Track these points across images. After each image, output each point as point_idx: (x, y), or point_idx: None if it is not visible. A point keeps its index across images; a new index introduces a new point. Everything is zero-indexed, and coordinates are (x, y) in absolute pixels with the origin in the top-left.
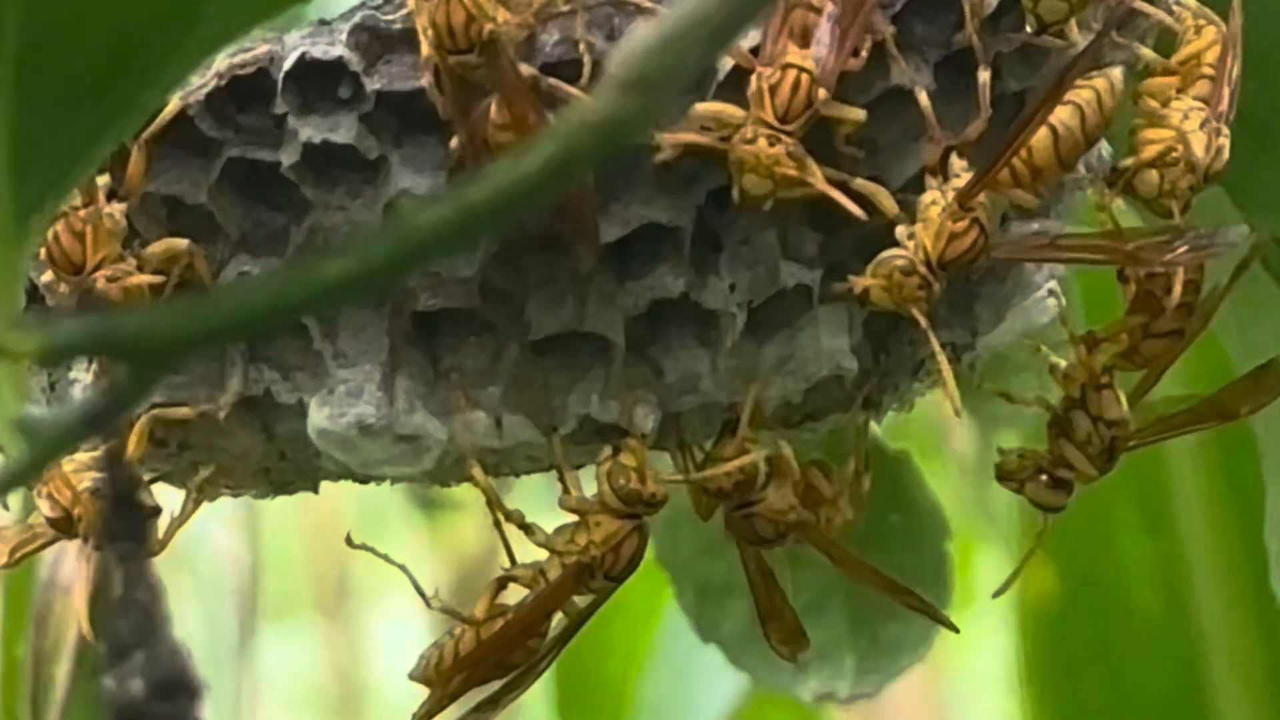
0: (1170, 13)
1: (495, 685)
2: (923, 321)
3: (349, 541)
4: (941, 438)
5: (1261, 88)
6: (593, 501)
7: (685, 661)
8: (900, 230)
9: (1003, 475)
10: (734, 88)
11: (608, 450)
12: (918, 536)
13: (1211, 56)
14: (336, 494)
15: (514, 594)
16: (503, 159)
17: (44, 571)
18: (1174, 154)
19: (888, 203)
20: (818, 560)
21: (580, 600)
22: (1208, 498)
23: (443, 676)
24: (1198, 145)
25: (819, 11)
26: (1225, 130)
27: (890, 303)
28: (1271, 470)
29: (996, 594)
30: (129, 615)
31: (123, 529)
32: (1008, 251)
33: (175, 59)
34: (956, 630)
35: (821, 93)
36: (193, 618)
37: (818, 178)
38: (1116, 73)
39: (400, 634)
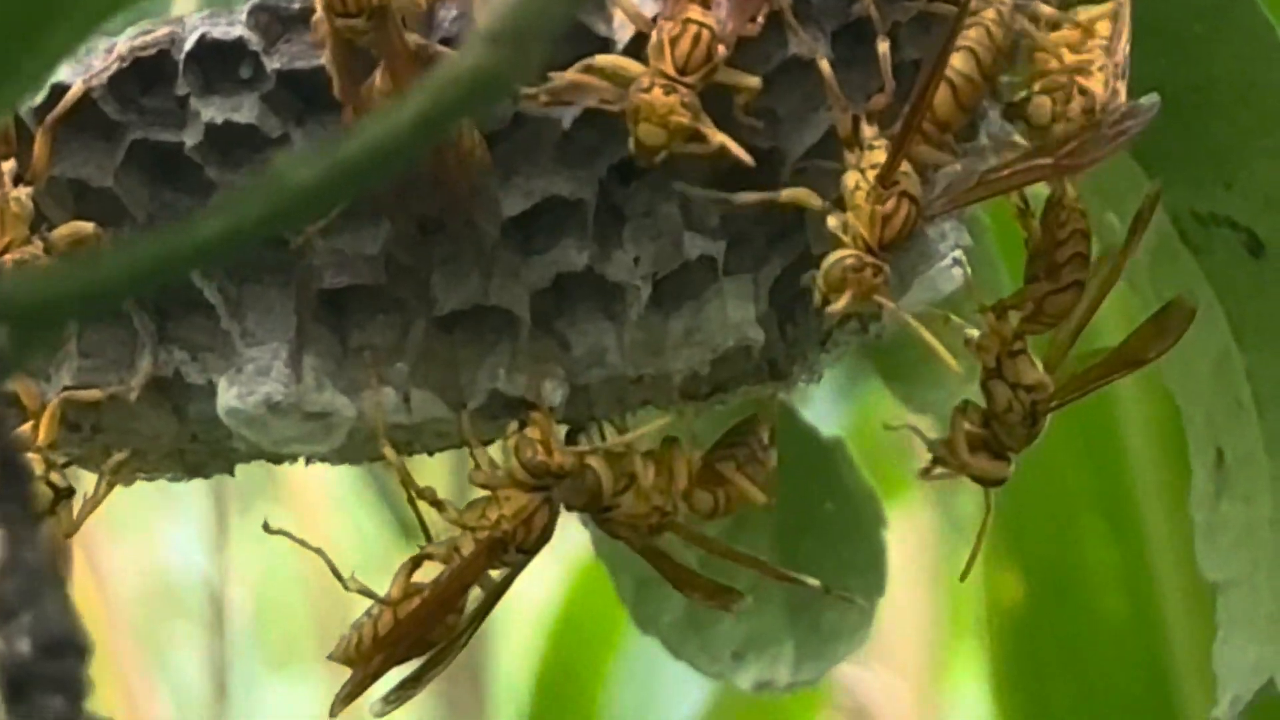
0: None
1: (417, 663)
2: (889, 305)
3: (346, 585)
4: (907, 453)
5: (1173, 66)
6: (502, 476)
7: (649, 673)
8: (833, 222)
9: (937, 457)
10: (637, 57)
11: (515, 425)
12: (852, 524)
13: (1105, 29)
14: (337, 539)
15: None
16: (374, 114)
17: None
18: (1066, 81)
19: (813, 201)
20: (749, 544)
21: (495, 574)
22: (1170, 506)
23: (363, 657)
24: (1095, 83)
25: None
26: (1122, 81)
27: (858, 303)
28: (1195, 443)
29: (961, 577)
30: (16, 576)
31: (6, 492)
32: (942, 206)
33: (57, 29)
34: (857, 603)
35: (721, 49)
36: (194, 663)
37: (711, 130)
38: (1004, 3)
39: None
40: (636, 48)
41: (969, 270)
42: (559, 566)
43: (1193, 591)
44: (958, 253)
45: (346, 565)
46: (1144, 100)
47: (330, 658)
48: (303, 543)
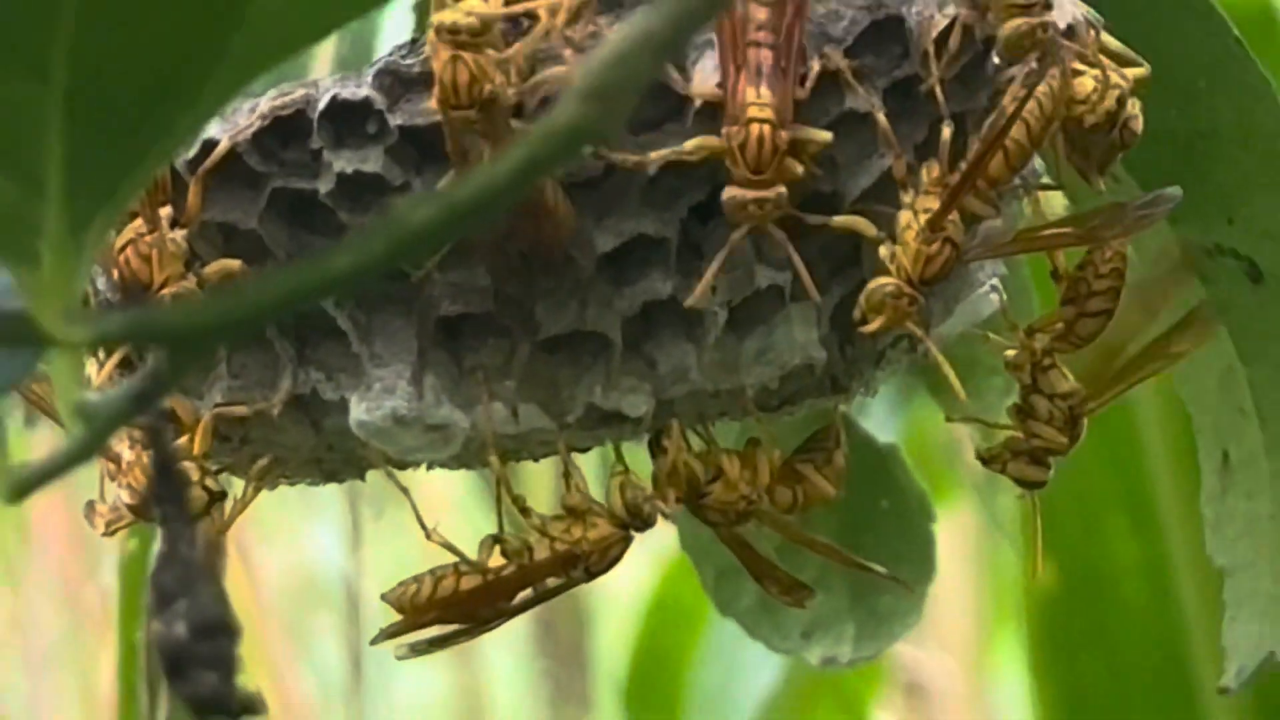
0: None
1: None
2: (918, 333)
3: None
4: (955, 458)
5: (1182, 115)
6: (594, 504)
7: (730, 652)
8: (883, 251)
9: (986, 460)
10: (710, 117)
11: (619, 467)
12: (906, 520)
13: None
14: (455, 534)
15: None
16: (481, 164)
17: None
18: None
19: (868, 229)
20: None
21: (552, 582)
22: (1183, 504)
23: (417, 609)
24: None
25: (763, 46)
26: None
27: (891, 325)
28: (1204, 447)
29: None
30: (173, 567)
31: (165, 494)
32: (977, 254)
33: (207, 92)
34: (910, 589)
35: (784, 135)
36: (333, 649)
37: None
38: (1055, 78)
39: (508, 653)
40: (712, 110)
41: (1004, 296)
42: (650, 560)
43: (1204, 579)
44: (994, 281)
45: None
46: (1168, 190)
47: (383, 598)
48: (425, 529)
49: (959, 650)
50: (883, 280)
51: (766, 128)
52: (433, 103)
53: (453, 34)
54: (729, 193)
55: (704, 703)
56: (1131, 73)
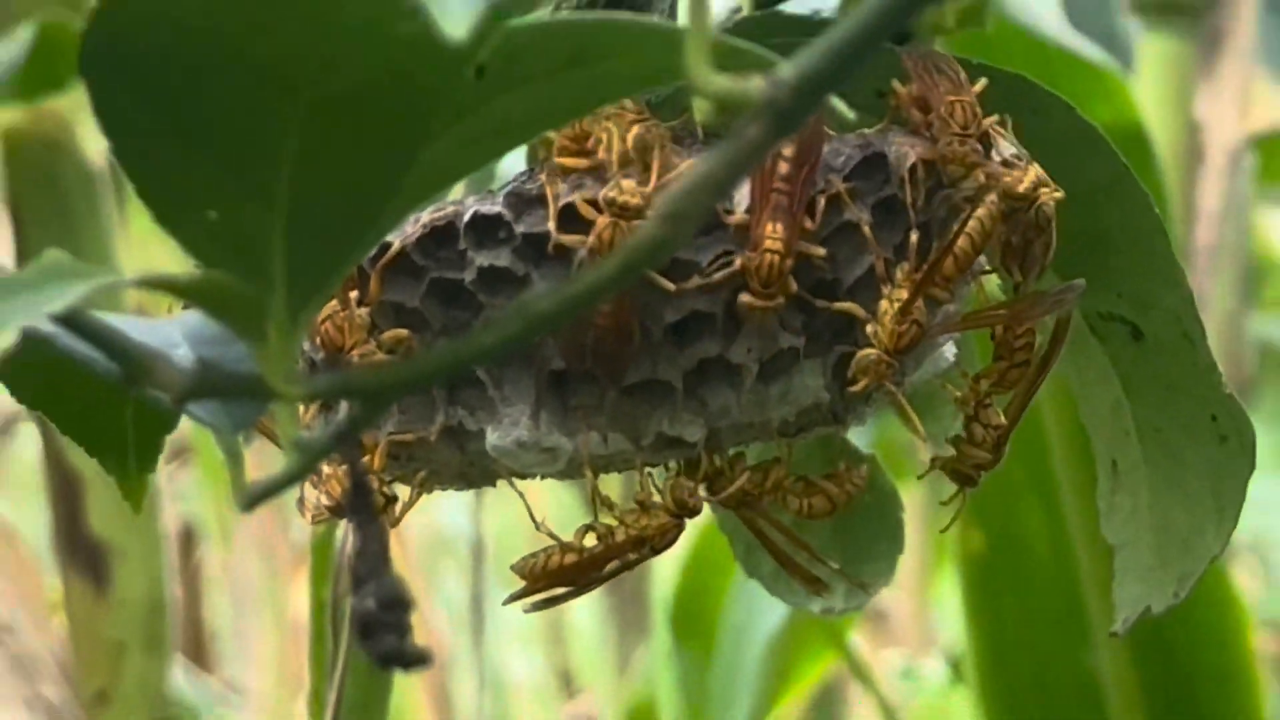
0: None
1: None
2: (893, 389)
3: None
4: (909, 455)
5: (1083, 220)
6: (658, 502)
7: (752, 595)
8: (869, 329)
9: (942, 468)
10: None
11: (674, 469)
12: (883, 509)
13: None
14: (547, 494)
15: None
16: (587, 268)
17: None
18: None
19: (859, 312)
20: (817, 525)
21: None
22: (1078, 488)
23: (534, 578)
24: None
25: (781, 192)
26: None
27: (874, 384)
28: (1099, 457)
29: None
30: (365, 560)
31: (358, 506)
32: (937, 331)
33: (388, 213)
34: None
35: (789, 262)
36: (456, 585)
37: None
38: (993, 199)
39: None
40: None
41: (958, 352)
42: (692, 526)
43: (1092, 542)
44: (950, 345)
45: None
46: (1076, 282)
47: (512, 568)
48: (536, 522)
49: (909, 587)
50: (868, 351)
51: (776, 257)
52: (550, 224)
53: (621, 210)
54: (743, 298)
55: (731, 632)
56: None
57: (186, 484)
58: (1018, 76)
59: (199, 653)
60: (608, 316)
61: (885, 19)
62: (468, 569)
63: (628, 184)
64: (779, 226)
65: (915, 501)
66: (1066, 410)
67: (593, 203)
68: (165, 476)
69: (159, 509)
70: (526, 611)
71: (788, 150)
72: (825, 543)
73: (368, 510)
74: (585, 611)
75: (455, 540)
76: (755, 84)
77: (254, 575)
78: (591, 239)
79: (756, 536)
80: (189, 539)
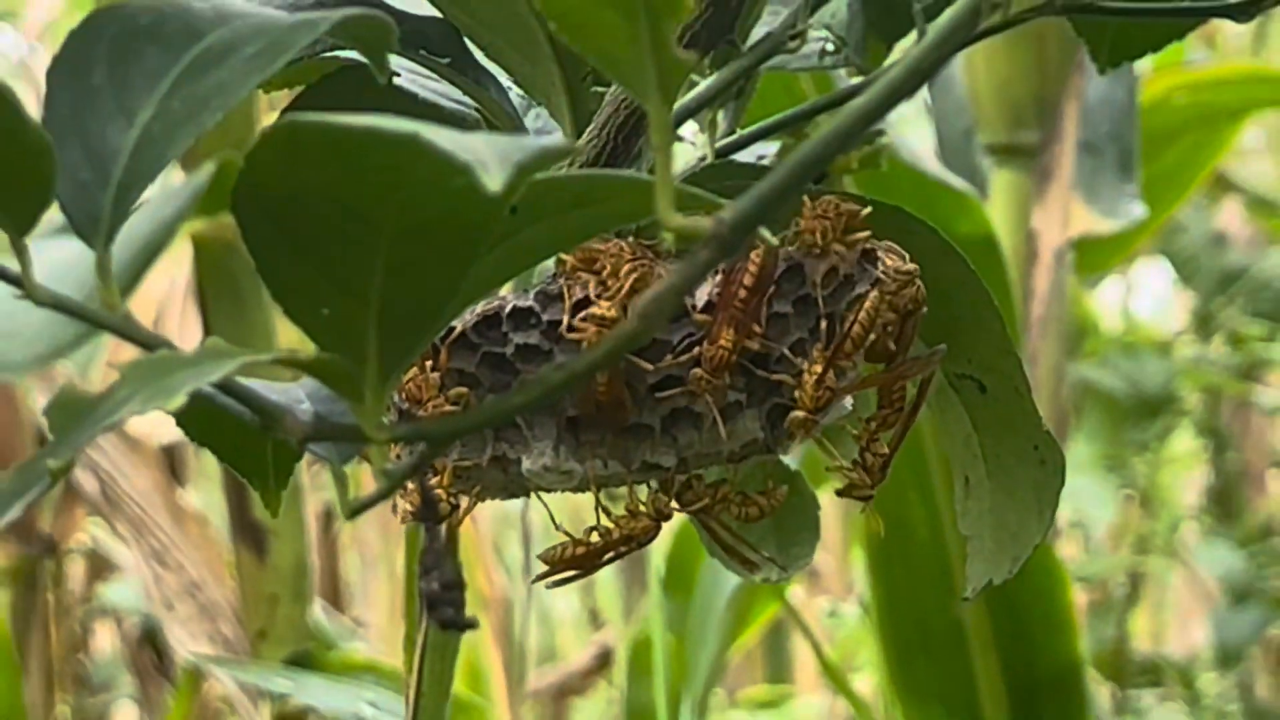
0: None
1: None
2: (814, 438)
3: (557, 526)
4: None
5: (941, 309)
6: (640, 512)
7: (717, 566)
8: (796, 394)
9: (840, 492)
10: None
11: (654, 485)
12: (805, 510)
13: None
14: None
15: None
16: (580, 353)
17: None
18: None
19: (790, 381)
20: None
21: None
22: (948, 484)
23: (554, 563)
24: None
25: (736, 307)
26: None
27: (805, 436)
28: (955, 473)
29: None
30: (431, 554)
31: (426, 514)
32: (844, 392)
33: (451, 307)
34: (783, 570)
35: (733, 358)
36: (516, 553)
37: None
38: (875, 294)
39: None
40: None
41: (854, 403)
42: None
43: (959, 531)
44: (848, 399)
45: (576, 519)
46: (938, 348)
47: (539, 556)
48: (556, 524)
49: (835, 552)
50: (797, 413)
51: (725, 353)
52: (565, 317)
53: (599, 321)
54: (695, 373)
55: (704, 588)
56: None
57: (326, 479)
58: (895, 208)
59: (335, 599)
60: (606, 388)
61: (799, 174)
62: (522, 540)
63: (604, 303)
64: (731, 332)
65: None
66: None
67: (584, 303)
68: (310, 475)
69: (303, 500)
70: (548, 587)
71: (747, 279)
72: (764, 533)
73: (434, 518)
74: (606, 571)
75: (516, 519)
76: (704, 221)
77: (374, 543)
78: (585, 338)
79: (709, 533)
80: (329, 517)
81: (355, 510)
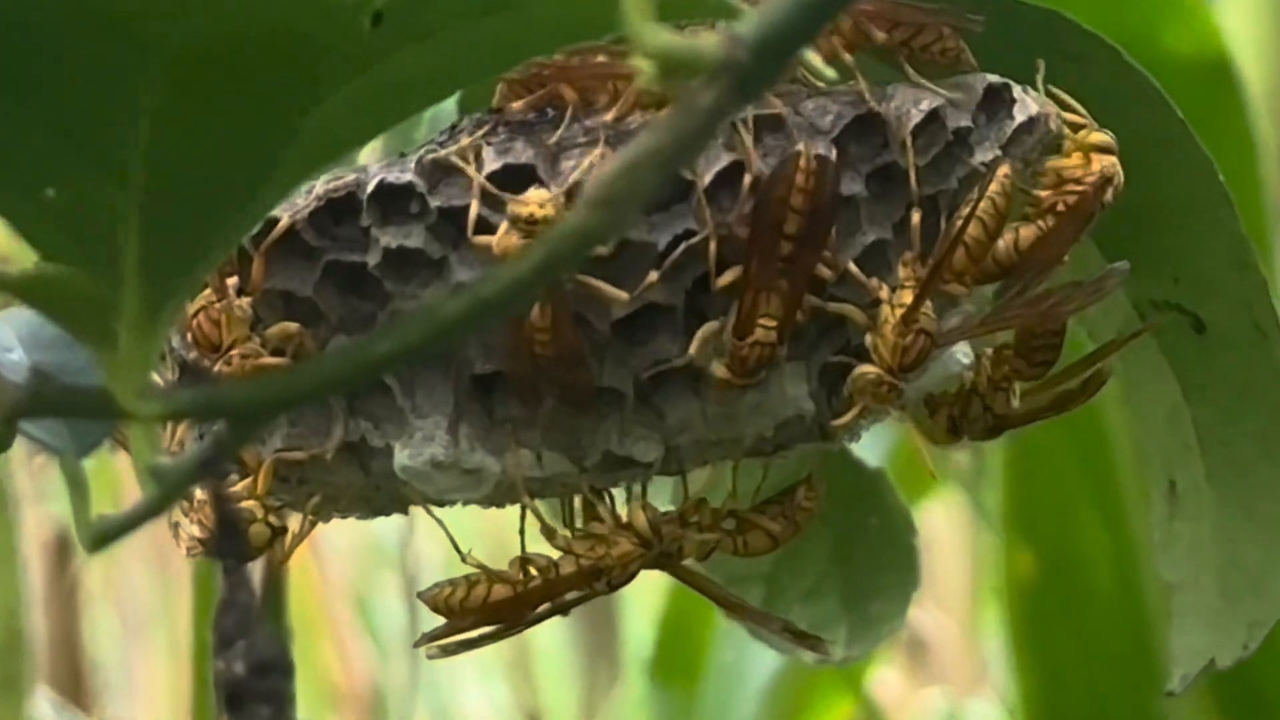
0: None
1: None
2: (895, 414)
3: (464, 559)
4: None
5: (1133, 186)
6: (616, 524)
7: (743, 637)
8: (868, 340)
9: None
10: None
11: (638, 489)
12: (892, 535)
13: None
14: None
15: None
16: (502, 263)
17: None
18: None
19: (859, 318)
20: (811, 552)
21: (574, 594)
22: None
23: (452, 612)
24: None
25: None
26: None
27: (872, 407)
28: (1153, 477)
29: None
30: (233, 612)
31: (226, 548)
32: (952, 338)
33: (268, 187)
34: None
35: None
36: (397, 604)
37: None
38: (1005, 169)
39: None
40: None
41: (970, 357)
42: None
43: None
44: (964, 344)
45: (503, 546)
46: (1117, 265)
47: (419, 596)
48: (461, 554)
49: (955, 613)
50: (866, 369)
51: (767, 350)
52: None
53: (530, 224)
54: (718, 372)
55: (720, 674)
56: (1097, 138)
57: (58, 483)
58: (1050, 13)
59: (75, 686)
60: (546, 330)
61: None
62: (403, 590)
63: (535, 194)
64: (774, 308)
65: (959, 513)
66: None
67: (509, 176)
68: (29, 473)
69: (11, 519)
70: (431, 657)
71: (798, 198)
72: (821, 578)
73: (239, 551)
74: (550, 638)
75: (391, 554)
76: (708, 42)
77: (141, 593)
78: (504, 246)
79: (692, 584)
80: (63, 549)
81: (104, 538)
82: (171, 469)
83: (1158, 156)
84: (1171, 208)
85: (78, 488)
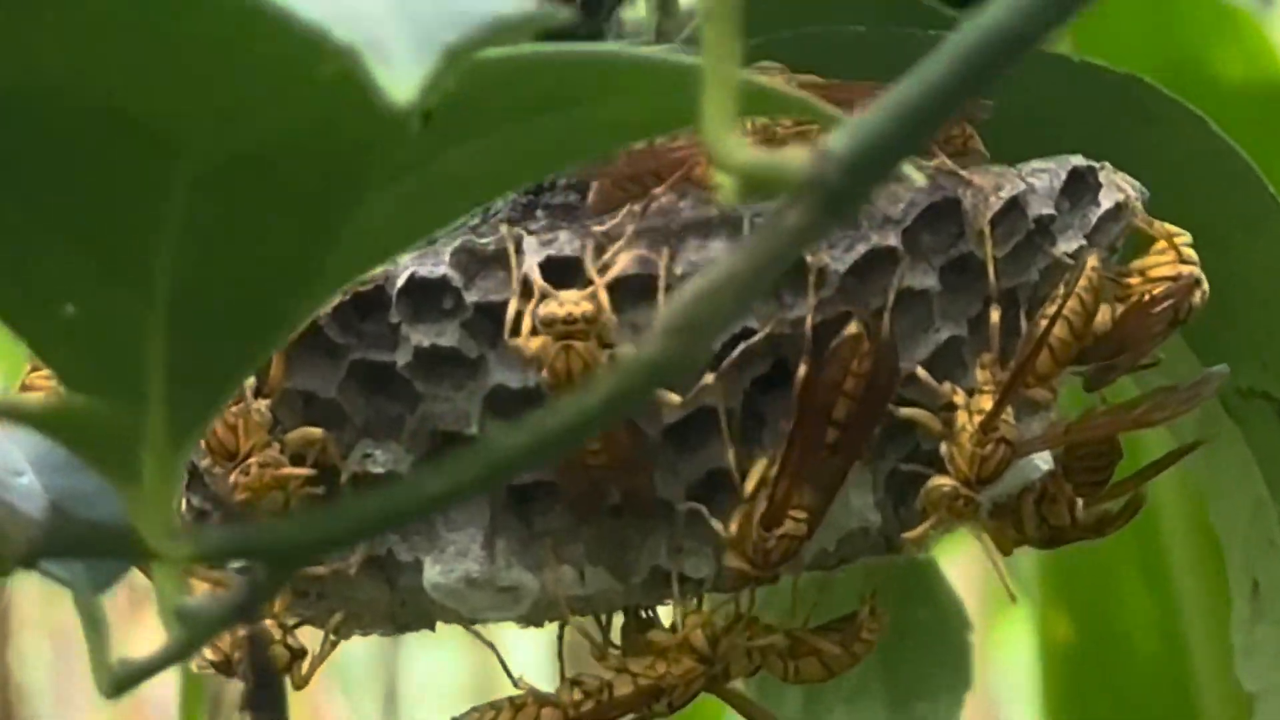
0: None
1: None
2: (972, 531)
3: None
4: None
5: (1218, 265)
6: (676, 640)
7: None
8: (944, 448)
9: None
10: None
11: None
12: (943, 629)
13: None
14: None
15: None
16: (570, 394)
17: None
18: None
19: (932, 425)
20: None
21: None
22: (1198, 561)
23: None
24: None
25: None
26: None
27: (948, 525)
28: (1234, 575)
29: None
30: None
31: (261, 700)
32: (1033, 448)
33: (302, 299)
34: None
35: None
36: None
37: None
38: (1093, 262)
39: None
40: None
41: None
42: None
43: (1215, 631)
44: (1043, 456)
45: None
46: (1215, 369)
47: None
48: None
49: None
50: (941, 481)
51: (795, 543)
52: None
53: (567, 324)
54: (732, 564)
55: None
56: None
57: None
58: (1130, 78)
59: (3, 714)
60: (602, 444)
61: (974, 67)
62: None
63: (567, 294)
64: (808, 500)
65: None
66: (1184, 472)
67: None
68: None
69: None
70: None
71: (843, 404)
72: (866, 670)
73: (274, 707)
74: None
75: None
76: (795, 158)
77: (75, 618)
78: (544, 373)
79: (732, 702)
80: None
81: (125, 682)
82: (200, 611)
83: (1245, 232)
84: (1257, 287)
85: (95, 627)
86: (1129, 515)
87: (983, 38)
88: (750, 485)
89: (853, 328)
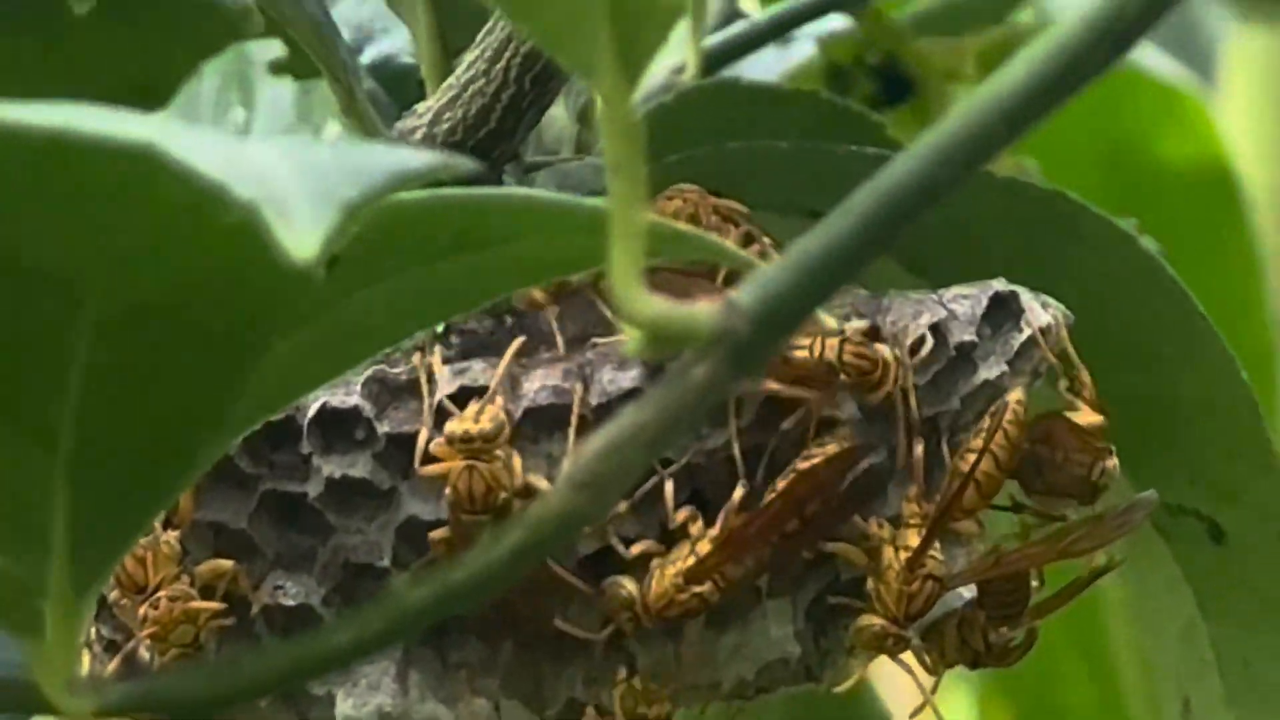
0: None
1: None
2: (901, 664)
3: None
4: None
5: (1147, 382)
6: None
7: None
8: (869, 584)
9: None
10: None
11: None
12: None
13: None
14: None
15: None
16: (477, 547)
17: None
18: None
19: (859, 560)
20: None
21: None
22: (1135, 651)
23: None
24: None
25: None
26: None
27: (880, 653)
28: (1165, 693)
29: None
30: None
31: None
32: (963, 580)
33: (208, 445)
34: None
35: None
36: None
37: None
38: (1018, 395)
39: None
40: None
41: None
42: None
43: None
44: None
45: None
46: (1144, 495)
47: None
48: None
49: None
50: (870, 621)
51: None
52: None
53: (465, 443)
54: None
55: None
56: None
57: None
58: (1055, 194)
59: None
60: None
61: (884, 221)
62: None
63: (469, 410)
64: (739, 571)
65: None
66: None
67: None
68: None
69: None
70: None
71: (816, 503)
72: None
73: None
74: None
75: None
76: (704, 312)
77: None
78: (448, 491)
79: None
80: None
81: None
82: None
83: (1175, 350)
84: (1187, 405)
85: None
86: (1025, 649)
87: (893, 189)
88: (691, 531)
89: (855, 443)
